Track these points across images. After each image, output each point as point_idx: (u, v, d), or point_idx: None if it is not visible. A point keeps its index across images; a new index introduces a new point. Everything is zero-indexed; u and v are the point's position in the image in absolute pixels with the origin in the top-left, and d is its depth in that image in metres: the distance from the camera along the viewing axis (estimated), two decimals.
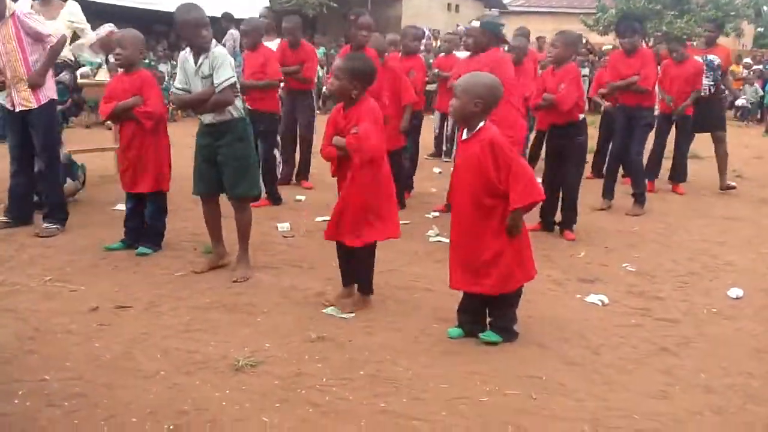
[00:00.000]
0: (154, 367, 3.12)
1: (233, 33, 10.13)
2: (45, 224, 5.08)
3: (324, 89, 12.28)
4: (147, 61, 13.42)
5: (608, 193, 6.67)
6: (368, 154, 3.64)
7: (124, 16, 12.66)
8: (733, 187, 7.75)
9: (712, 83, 7.62)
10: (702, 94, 7.43)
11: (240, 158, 4.25)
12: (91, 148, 7.93)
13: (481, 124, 3.40)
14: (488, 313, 3.58)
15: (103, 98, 4.76)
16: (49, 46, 4.99)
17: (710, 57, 7.58)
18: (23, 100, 4.96)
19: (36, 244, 4.85)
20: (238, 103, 4.28)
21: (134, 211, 4.84)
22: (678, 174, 7.75)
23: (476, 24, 5.44)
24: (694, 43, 12.25)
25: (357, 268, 3.93)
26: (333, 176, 3.91)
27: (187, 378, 3.04)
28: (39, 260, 4.51)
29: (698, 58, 7.45)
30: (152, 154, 4.68)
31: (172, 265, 4.53)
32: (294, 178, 7.23)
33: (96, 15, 9.35)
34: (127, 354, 3.25)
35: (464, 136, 3.48)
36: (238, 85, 4.27)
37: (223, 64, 4.12)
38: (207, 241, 4.84)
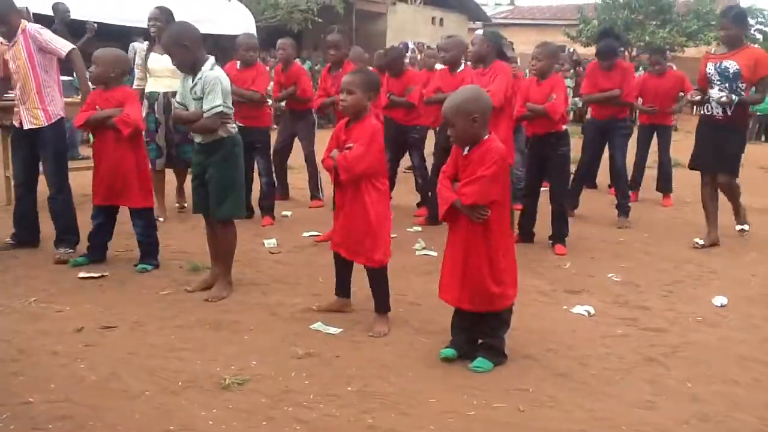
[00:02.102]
0: (140, 388, 3.10)
1: (135, 45, 9.69)
2: (62, 250, 4.92)
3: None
4: (127, 77, 13.36)
5: (573, 200, 6.70)
6: (354, 174, 3.64)
7: (104, 33, 12.64)
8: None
9: (725, 102, 5.42)
10: (714, 114, 5.55)
11: (224, 178, 4.19)
12: (76, 166, 7.89)
13: (486, 137, 3.32)
14: (480, 333, 3.47)
15: (81, 108, 4.71)
16: (66, 57, 4.85)
17: (725, 63, 5.43)
18: (33, 118, 4.82)
19: (22, 265, 4.81)
20: (230, 124, 4.20)
21: (101, 227, 4.81)
22: (664, 185, 7.77)
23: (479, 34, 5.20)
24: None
25: (379, 289, 3.90)
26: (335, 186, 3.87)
27: (173, 397, 3.03)
28: (24, 281, 4.48)
29: (711, 67, 5.51)
30: (134, 168, 4.64)
31: (157, 284, 4.50)
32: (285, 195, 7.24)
33: (80, 32, 9.34)
34: (112, 375, 3.22)
35: (465, 152, 3.36)
36: (230, 110, 4.20)
37: (213, 90, 4.03)
38: (193, 259, 4.84)
